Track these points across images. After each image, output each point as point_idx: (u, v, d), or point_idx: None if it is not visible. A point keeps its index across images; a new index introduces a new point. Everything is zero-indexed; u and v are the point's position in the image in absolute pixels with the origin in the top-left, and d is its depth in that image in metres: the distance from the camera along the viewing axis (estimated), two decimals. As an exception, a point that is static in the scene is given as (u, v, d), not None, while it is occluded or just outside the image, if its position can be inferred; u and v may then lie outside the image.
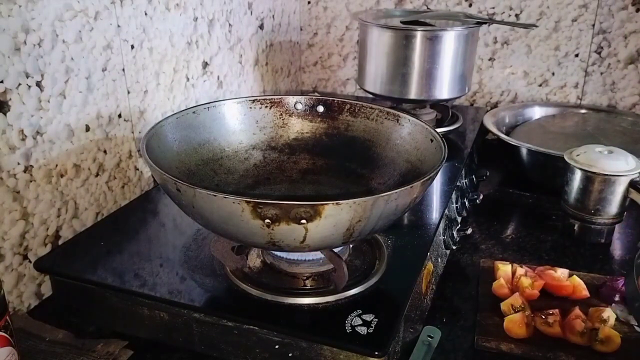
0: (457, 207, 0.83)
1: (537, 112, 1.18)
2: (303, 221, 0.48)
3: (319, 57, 1.36)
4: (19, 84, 0.62)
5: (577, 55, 1.17)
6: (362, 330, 0.53)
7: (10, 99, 0.61)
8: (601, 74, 1.17)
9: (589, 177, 0.79)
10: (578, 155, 0.81)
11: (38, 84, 0.64)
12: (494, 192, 1.00)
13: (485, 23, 1.08)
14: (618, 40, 1.13)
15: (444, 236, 0.75)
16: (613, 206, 0.79)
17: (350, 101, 0.74)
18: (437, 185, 0.83)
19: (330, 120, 0.75)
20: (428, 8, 1.23)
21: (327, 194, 0.72)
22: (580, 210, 0.81)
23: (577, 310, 0.63)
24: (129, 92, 0.79)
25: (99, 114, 0.75)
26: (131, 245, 0.68)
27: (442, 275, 0.73)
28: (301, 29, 1.35)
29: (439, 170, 0.55)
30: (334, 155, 0.74)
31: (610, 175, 0.77)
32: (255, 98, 0.74)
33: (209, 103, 0.71)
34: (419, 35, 0.97)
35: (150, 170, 0.55)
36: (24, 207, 0.65)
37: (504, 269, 0.71)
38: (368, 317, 0.54)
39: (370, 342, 0.51)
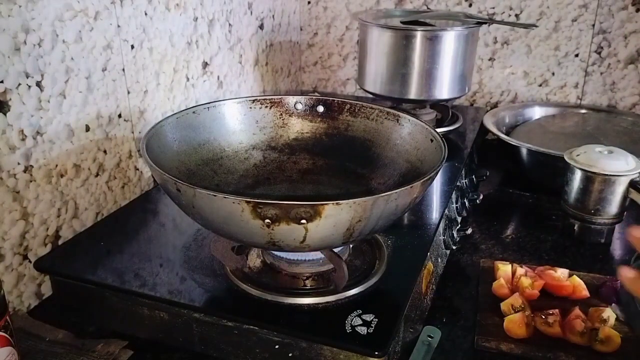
0: (457, 207, 0.83)
1: (537, 112, 1.18)
2: (303, 221, 0.48)
3: (319, 57, 1.36)
4: (19, 84, 0.62)
5: (577, 55, 1.17)
6: (362, 330, 0.53)
7: (10, 99, 0.61)
8: (601, 74, 1.17)
9: (589, 177, 0.79)
10: (578, 155, 0.81)
11: (38, 84, 0.64)
12: (494, 192, 1.00)
13: (485, 23, 1.08)
14: (618, 40, 1.13)
15: (444, 236, 0.75)
16: (613, 206, 0.79)
17: (350, 101, 0.74)
18: (437, 185, 0.83)
19: (330, 120, 0.75)
20: (428, 8, 1.23)
21: (327, 194, 0.72)
22: (580, 210, 0.81)
23: (577, 310, 0.63)
24: (129, 92, 0.79)
25: (99, 114, 0.75)
26: (131, 245, 0.68)
27: (442, 275, 0.73)
28: (301, 29, 1.34)
29: (439, 170, 0.55)
30: (334, 155, 0.74)
31: (610, 175, 0.77)
32: (255, 98, 0.74)
33: (209, 103, 0.71)
34: (419, 35, 0.97)
35: (150, 170, 0.55)
36: (24, 207, 0.65)
37: (504, 269, 0.71)
38: (368, 317, 0.54)
39: (370, 342, 0.51)
